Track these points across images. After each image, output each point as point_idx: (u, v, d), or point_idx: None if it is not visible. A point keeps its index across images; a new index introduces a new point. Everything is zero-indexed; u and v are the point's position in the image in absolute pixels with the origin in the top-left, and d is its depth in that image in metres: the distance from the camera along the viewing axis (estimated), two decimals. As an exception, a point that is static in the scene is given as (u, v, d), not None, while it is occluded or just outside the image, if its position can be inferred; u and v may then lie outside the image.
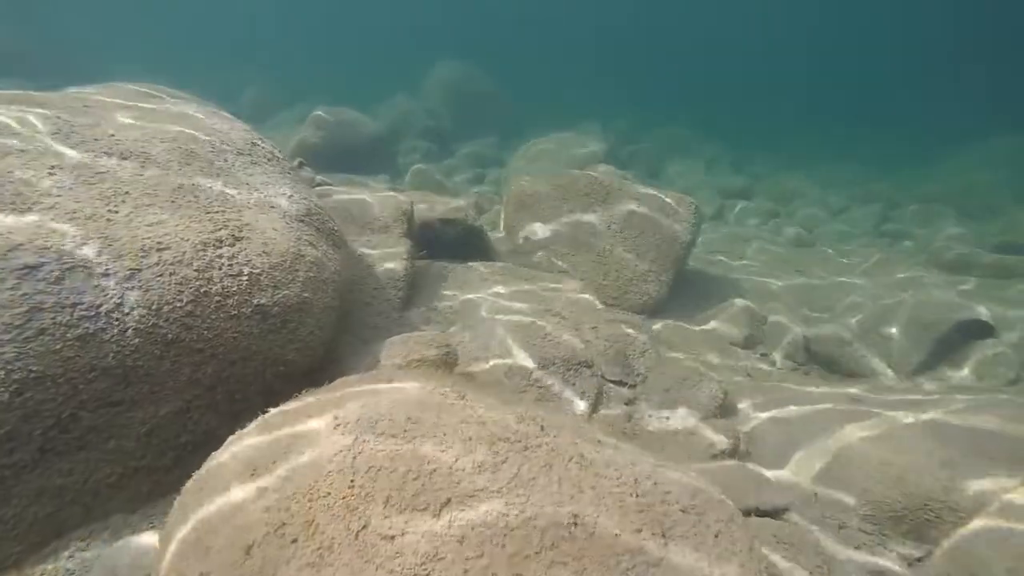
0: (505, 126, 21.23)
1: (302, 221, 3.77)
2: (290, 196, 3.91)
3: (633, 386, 4.32)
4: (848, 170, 18.29)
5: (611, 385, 4.27)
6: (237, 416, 2.84)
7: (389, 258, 4.94)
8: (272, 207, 3.67)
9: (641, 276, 6.56)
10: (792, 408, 4.18)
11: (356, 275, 4.76)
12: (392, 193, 5.48)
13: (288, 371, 3.19)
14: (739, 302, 7.04)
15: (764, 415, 4.18)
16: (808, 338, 6.29)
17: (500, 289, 5.21)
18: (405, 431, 2.04)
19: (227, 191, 3.55)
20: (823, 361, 6.08)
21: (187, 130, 3.98)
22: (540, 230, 6.74)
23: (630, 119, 23.85)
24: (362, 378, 2.78)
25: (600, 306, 5.54)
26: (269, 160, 4.25)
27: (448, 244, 6.16)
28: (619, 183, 7.14)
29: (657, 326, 6.33)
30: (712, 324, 6.63)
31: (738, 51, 45.22)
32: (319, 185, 6.13)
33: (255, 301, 3.02)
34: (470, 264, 5.71)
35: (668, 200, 7.07)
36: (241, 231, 3.20)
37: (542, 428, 2.20)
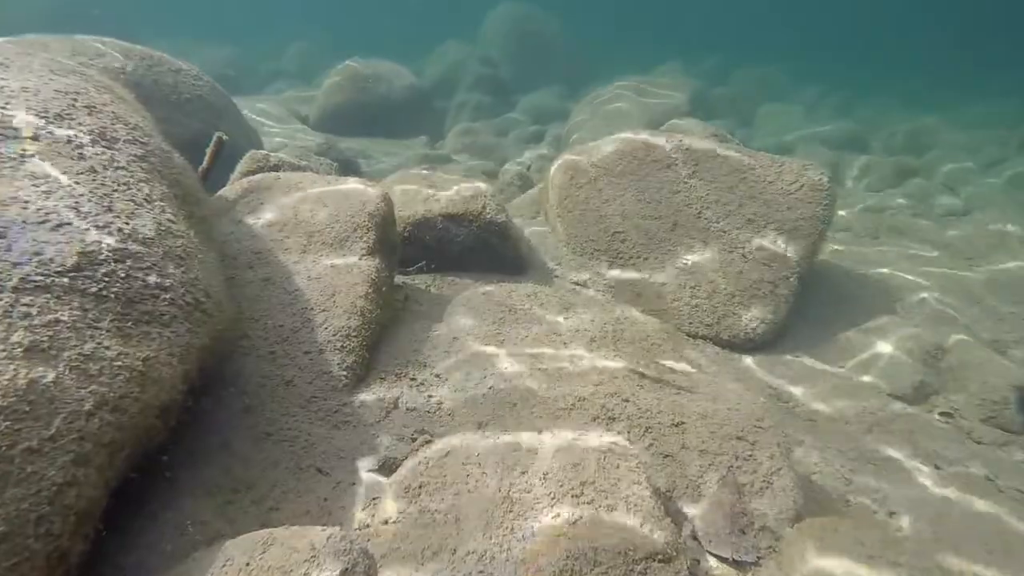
0: (573, 73, 18.62)
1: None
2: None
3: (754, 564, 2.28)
4: (989, 110, 14.79)
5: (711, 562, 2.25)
6: None
7: (333, 298, 3.05)
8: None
9: (748, 290, 4.39)
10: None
11: (279, 330, 2.90)
12: (358, 185, 3.54)
13: None
14: (894, 322, 4.76)
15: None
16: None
17: (530, 344, 3.22)
18: None
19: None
20: (1053, 432, 3.80)
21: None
22: (595, 225, 4.64)
23: (714, 59, 20.72)
24: None
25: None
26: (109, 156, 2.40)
27: (458, 250, 4.20)
28: (713, 148, 4.89)
29: (774, 371, 4.18)
30: (858, 362, 4.41)
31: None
32: (274, 169, 4.29)
33: None
34: (486, 289, 3.73)
35: (785, 172, 4.79)
36: None
37: None
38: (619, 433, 2.56)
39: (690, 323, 4.30)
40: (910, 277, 5.54)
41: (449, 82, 16.91)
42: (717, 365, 3.97)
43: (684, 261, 4.46)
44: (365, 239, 3.32)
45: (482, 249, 4.22)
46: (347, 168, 8.11)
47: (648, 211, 4.65)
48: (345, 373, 2.86)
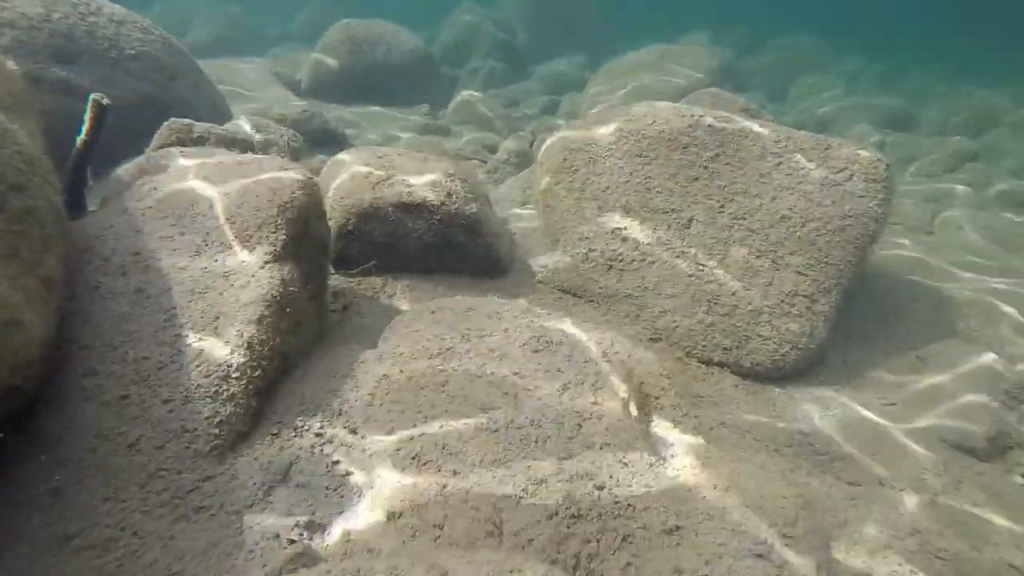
0: (598, 41, 17.40)
1: None
2: None
3: None
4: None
5: None
6: None
7: (217, 322, 2.25)
8: None
9: (779, 305, 3.51)
10: None
11: (140, 366, 2.13)
12: (274, 168, 2.70)
13: None
14: (958, 347, 3.85)
15: None
16: None
17: (471, 401, 2.40)
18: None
19: None
20: None
21: None
22: (594, 219, 3.78)
23: (746, 27, 19.32)
24: None
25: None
26: None
27: (417, 247, 3.38)
28: (743, 125, 3.97)
29: (810, 415, 3.31)
30: (912, 399, 3.52)
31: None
32: (198, 142, 3.47)
33: None
34: (439, 304, 2.88)
35: (832, 156, 3.87)
36: None
37: None
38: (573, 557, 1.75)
39: (703, 346, 3.44)
40: (974, 287, 4.59)
41: (463, 47, 15.91)
42: (734, 413, 3.12)
43: (699, 267, 3.59)
44: (271, 240, 2.51)
45: (446, 247, 3.39)
46: (331, 141, 7.28)
47: (657, 202, 3.76)
48: (216, 431, 2.08)
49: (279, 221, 2.54)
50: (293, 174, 2.71)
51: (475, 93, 10.47)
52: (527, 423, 2.20)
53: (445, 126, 9.18)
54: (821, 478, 2.90)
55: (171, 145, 3.46)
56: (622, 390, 2.36)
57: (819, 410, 3.37)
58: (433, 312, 2.75)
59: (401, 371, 2.45)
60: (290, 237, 2.57)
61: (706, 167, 3.84)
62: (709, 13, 20.58)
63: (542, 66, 15.97)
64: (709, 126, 3.94)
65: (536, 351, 2.52)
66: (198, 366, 2.17)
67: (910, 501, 2.84)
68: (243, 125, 4.90)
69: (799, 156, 3.86)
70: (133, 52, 5.05)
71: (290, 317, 2.46)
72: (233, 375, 2.17)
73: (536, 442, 2.14)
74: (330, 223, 3.37)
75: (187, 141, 3.45)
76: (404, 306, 3.26)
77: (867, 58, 18.09)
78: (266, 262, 2.47)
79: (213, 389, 2.13)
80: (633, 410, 2.27)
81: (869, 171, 3.79)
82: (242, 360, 2.21)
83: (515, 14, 18.26)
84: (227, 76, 8.04)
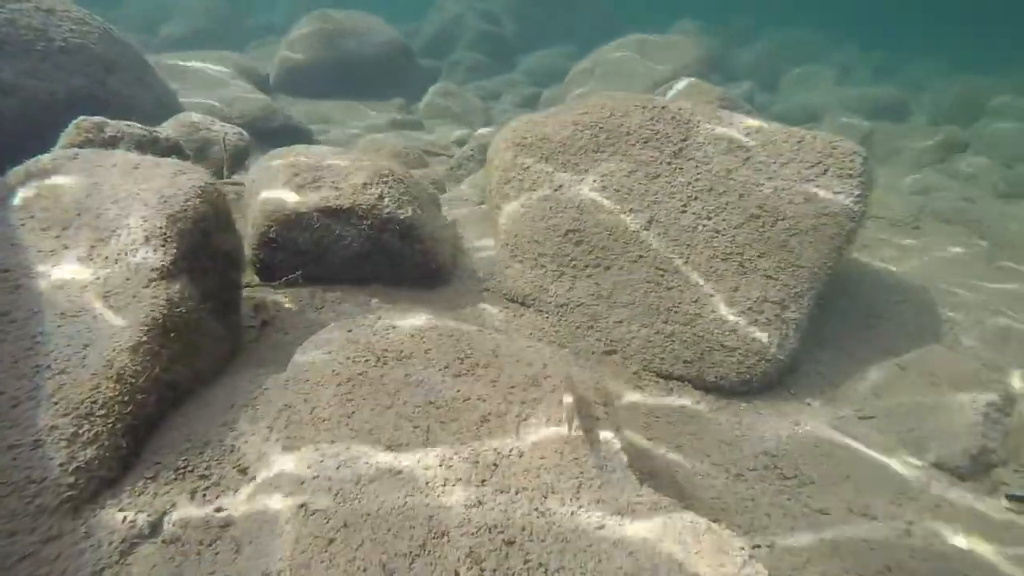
0: (589, 33, 17.07)
1: None
2: None
3: None
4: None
5: None
6: None
7: (86, 350, 1.97)
8: None
9: (746, 312, 3.24)
10: None
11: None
12: (171, 171, 2.41)
13: None
14: (941, 355, 3.57)
15: None
16: None
17: (375, 440, 2.12)
18: None
19: None
20: None
21: None
22: (543, 220, 3.50)
23: (749, 19, 19.01)
24: None
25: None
26: None
27: (345, 256, 3.09)
28: (710, 118, 3.69)
29: (778, 433, 3.04)
30: (891, 412, 3.26)
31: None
32: (110, 142, 3.16)
33: None
34: (353, 327, 2.59)
35: (805, 149, 3.59)
36: None
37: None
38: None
39: (662, 359, 3.16)
40: (963, 287, 4.32)
41: (446, 39, 15.59)
42: (693, 432, 2.85)
43: (659, 272, 3.31)
44: (159, 255, 2.22)
45: (380, 255, 3.10)
46: (295, 138, 6.98)
47: (615, 202, 3.48)
48: (72, 480, 1.80)
49: (168, 233, 2.25)
50: (189, 179, 2.42)
51: (450, 86, 10.16)
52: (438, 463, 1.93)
53: (418, 121, 8.88)
54: (786, 507, 2.63)
55: (80, 145, 3.16)
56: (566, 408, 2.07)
57: (788, 427, 3.10)
58: (347, 333, 2.47)
59: (305, 400, 2.17)
60: (183, 251, 2.28)
61: (669, 163, 3.56)
62: (710, 3, 20.22)
63: (529, 57, 15.65)
64: (672, 118, 3.65)
65: (458, 375, 2.24)
66: (56, 403, 1.89)
67: (882, 531, 2.57)
68: (191, 118, 4.60)
69: (770, 150, 3.57)
70: (63, 44, 4.74)
71: (179, 341, 2.18)
72: (98, 412, 1.89)
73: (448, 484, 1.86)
74: (251, 231, 3.09)
75: (97, 141, 3.15)
76: (331, 319, 2.98)
77: (862, 48, 17.82)
78: (151, 280, 2.18)
79: (71, 430, 1.85)
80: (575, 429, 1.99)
81: (845, 165, 3.51)
82: (110, 394, 1.93)
83: (502, 4, 17.89)
84: (189, 71, 7.71)
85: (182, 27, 14.81)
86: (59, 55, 4.67)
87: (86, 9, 5.14)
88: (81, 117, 3.19)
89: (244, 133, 4.82)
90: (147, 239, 2.24)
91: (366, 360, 2.31)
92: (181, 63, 7.98)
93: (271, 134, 6.75)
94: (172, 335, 2.15)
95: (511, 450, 1.98)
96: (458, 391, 2.19)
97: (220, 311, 2.52)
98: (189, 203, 2.35)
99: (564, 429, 1.99)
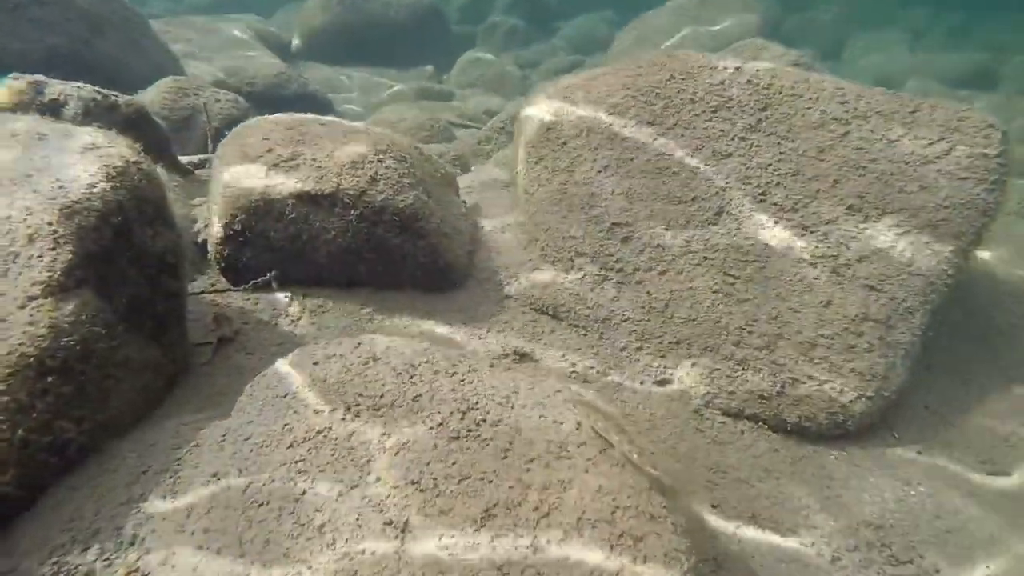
0: (640, -4, 15.86)
1: None
2: None
3: None
4: None
5: None
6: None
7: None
8: None
9: (839, 334, 2.49)
10: None
11: None
12: (73, 156, 1.79)
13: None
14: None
15: None
16: None
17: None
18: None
19: None
20: None
21: None
22: (581, 210, 2.79)
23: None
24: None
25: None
26: None
27: (330, 252, 2.45)
28: (796, 80, 2.90)
29: (883, 496, 2.31)
30: (1035, 470, 2.50)
31: None
32: (51, 107, 2.57)
33: None
34: (334, 351, 1.95)
35: (921, 121, 2.78)
36: None
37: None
38: None
39: (731, 392, 2.45)
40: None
41: (482, 2, 14.77)
42: (770, 493, 2.15)
43: (729, 280, 2.58)
44: (46, 262, 1.61)
45: (374, 252, 2.45)
46: (312, 106, 6.38)
47: (674, 187, 2.74)
48: None
49: (60, 232, 1.64)
50: (100, 157, 1.79)
51: (484, 53, 9.40)
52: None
53: (449, 90, 8.16)
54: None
55: (12, 110, 2.58)
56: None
57: (896, 487, 2.37)
58: (326, 358, 1.83)
59: (242, 470, 1.55)
60: (83, 255, 1.67)
61: (743, 139, 2.80)
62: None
63: (571, 23, 14.73)
64: (748, 82, 2.88)
65: (456, 438, 1.59)
66: None
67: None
68: (177, 83, 4.01)
69: (875, 123, 2.78)
70: (39, -1, 4.18)
71: (68, 383, 1.57)
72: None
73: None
74: (215, 221, 2.46)
75: (34, 105, 2.56)
76: (312, 334, 2.36)
77: (937, 7, 16.24)
78: (31, 297, 1.57)
79: None
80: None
81: (977, 142, 2.70)
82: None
83: (542, -37, 16.81)
84: (203, 35, 7.14)
85: (209, -7, 14.32)
86: (35, 8, 4.10)
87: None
88: (13, 74, 2.60)
89: (240, 100, 4.21)
90: (30, 240, 1.63)
91: (332, 411, 1.67)
92: (198, 22, 7.41)
93: (284, 102, 6.14)
94: (58, 375, 1.54)
95: (524, 570, 1.32)
96: (453, 463, 1.53)
97: (151, 330, 1.91)
98: (95, 190, 1.72)
99: (602, 552, 1.32)
